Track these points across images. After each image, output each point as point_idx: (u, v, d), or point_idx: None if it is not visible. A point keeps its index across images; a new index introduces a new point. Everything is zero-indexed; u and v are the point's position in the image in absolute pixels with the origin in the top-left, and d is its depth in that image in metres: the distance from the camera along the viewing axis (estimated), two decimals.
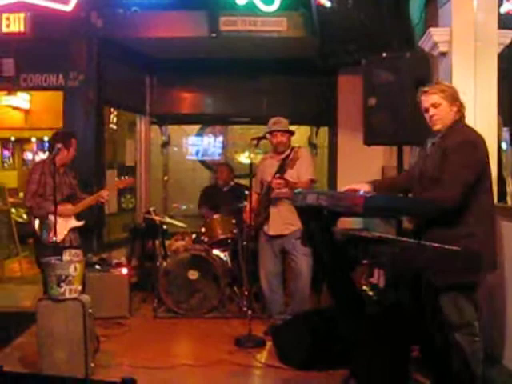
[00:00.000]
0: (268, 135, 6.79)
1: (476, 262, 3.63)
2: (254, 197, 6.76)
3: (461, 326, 4.09)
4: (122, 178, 7.02)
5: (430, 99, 4.24)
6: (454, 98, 4.20)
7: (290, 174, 6.52)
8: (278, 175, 6.49)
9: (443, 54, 5.76)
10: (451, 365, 4.08)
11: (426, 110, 4.27)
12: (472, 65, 5.53)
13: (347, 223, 6.05)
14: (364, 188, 4.31)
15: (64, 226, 6.32)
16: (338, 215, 4.06)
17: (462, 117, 4.26)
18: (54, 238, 6.15)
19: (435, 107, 4.22)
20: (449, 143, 4.09)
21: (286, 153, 6.71)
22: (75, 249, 5.62)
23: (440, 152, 4.12)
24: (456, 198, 3.92)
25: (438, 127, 4.26)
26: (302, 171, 6.63)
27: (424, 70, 5.62)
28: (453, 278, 3.86)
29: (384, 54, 5.88)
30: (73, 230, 6.46)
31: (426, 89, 4.29)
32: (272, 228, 6.73)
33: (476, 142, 4.11)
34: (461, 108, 4.23)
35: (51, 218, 6.02)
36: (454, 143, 4.05)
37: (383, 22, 6.61)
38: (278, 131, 6.75)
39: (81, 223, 6.50)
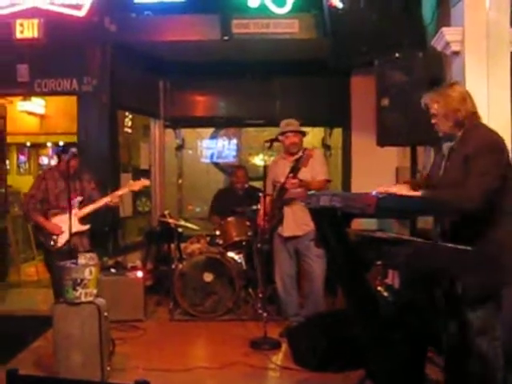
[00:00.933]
0: (280, 137, 6.80)
1: (492, 263, 3.60)
2: (268, 199, 6.76)
3: (482, 330, 4.05)
4: (136, 180, 6.93)
5: (430, 109, 4.24)
6: (448, 109, 4.12)
7: (304, 174, 6.52)
8: (291, 175, 6.49)
9: (456, 53, 5.74)
10: (469, 368, 4.04)
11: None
12: (485, 64, 5.51)
13: (363, 224, 6.04)
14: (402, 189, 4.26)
15: (63, 235, 6.38)
16: (351, 216, 4.06)
17: (473, 119, 4.19)
18: (52, 243, 6.26)
19: (434, 117, 4.22)
20: (469, 149, 4.01)
21: (299, 154, 6.71)
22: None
23: (461, 158, 4.06)
24: (476, 199, 3.81)
25: (440, 134, 4.26)
26: (316, 171, 6.63)
27: (437, 69, 5.61)
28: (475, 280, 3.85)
29: (397, 55, 5.88)
30: (80, 234, 6.47)
31: (425, 97, 4.28)
32: (286, 229, 6.73)
33: (497, 143, 4.06)
34: (463, 114, 4.15)
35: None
36: (475, 148, 3.98)
37: (395, 22, 6.59)
38: (291, 132, 6.76)
39: (86, 227, 6.52)
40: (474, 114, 4.18)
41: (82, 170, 6.62)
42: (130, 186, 6.76)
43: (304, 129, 6.98)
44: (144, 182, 6.89)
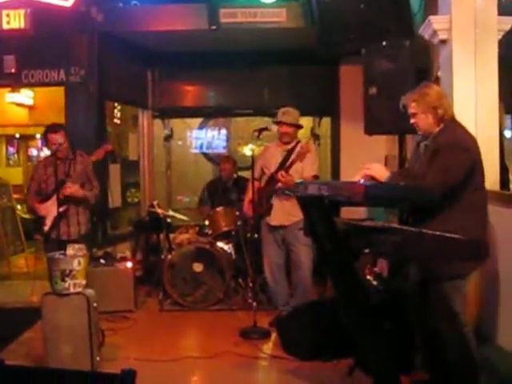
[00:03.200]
0: (274, 124, 6.79)
1: (477, 249, 3.61)
2: (256, 184, 6.75)
3: (451, 316, 4.11)
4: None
5: (409, 108, 4.32)
6: (427, 106, 4.21)
7: (296, 167, 6.52)
8: (283, 171, 6.46)
9: (443, 41, 5.73)
10: (447, 354, 4.11)
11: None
12: (472, 52, 5.51)
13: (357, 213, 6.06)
14: (384, 172, 4.35)
15: (50, 215, 6.34)
16: (339, 205, 4.06)
17: (450, 117, 4.25)
18: (46, 228, 6.24)
19: (413, 116, 4.30)
20: (437, 144, 4.12)
21: (292, 144, 6.70)
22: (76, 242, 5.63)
23: (429, 152, 4.15)
24: (434, 192, 3.92)
25: (420, 133, 4.36)
26: (307, 166, 6.62)
27: (424, 58, 5.63)
28: (450, 267, 3.93)
29: (384, 43, 5.88)
30: (68, 222, 6.41)
31: (404, 98, 4.38)
32: (274, 218, 6.73)
33: (465, 143, 4.13)
34: (442, 111, 4.21)
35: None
36: (443, 144, 4.08)
37: (383, 10, 6.59)
38: (284, 123, 6.73)
39: (61, 209, 6.25)
40: (449, 113, 4.24)
41: (75, 151, 6.53)
42: (94, 155, 6.57)
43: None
44: (107, 146, 6.73)
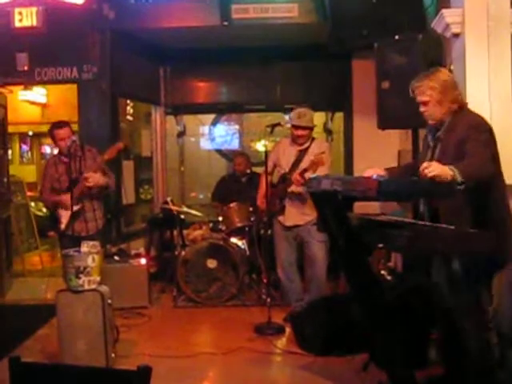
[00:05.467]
0: (288, 124, 6.74)
1: (491, 243, 3.59)
2: (268, 179, 6.74)
3: (475, 313, 4.08)
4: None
5: (420, 96, 4.17)
6: (443, 94, 4.08)
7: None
8: (298, 173, 6.40)
9: (456, 35, 5.70)
10: (467, 350, 4.07)
11: (418, 104, 4.24)
12: (485, 45, 5.47)
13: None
14: (379, 172, 4.25)
15: (66, 213, 6.32)
16: (352, 200, 4.06)
17: (462, 105, 4.17)
18: (63, 227, 6.25)
19: (425, 105, 4.16)
20: (461, 133, 4.00)
21: (306, 144, 6.67)
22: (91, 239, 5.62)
23: (452, 144, 4.05)
24: (490, 166, 3.83)
25: (431, 122, 4.23)
26: (320, 170, 6.58)
27: (437, 51, 5.59)
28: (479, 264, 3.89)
29: (396, 37, 5.85)
30: (83, 219, 6.41)
31: (416, 84, 4.21)
32: (288, 219, 6.69)
33: (486, 124, 4.07)
34: (456, 99, 4.14)
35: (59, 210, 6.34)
36: (468, 129, 3.98)
37: (395, 4, 6.55)
38: (299, 126, 6.67)
39: (76, 208, 6.24)
40: (462, 100, 4.18)
41: (85, 148, 6.50)
42: (107, 154, 6.52)
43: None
44: (119, 145, 6.58)
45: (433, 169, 3.64)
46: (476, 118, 4.09)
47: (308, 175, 6.34)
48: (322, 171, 6.47)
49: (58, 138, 6.34)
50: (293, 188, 6.56)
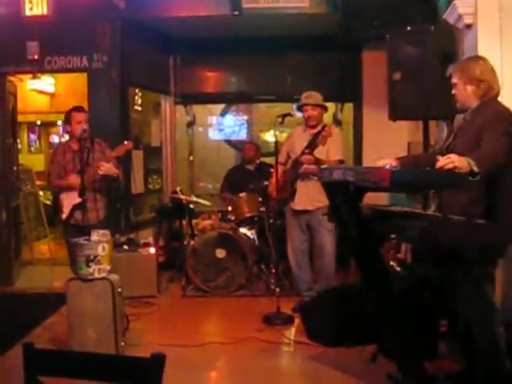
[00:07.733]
0: (295, 111, 6.77)
1: (504, 235, 3.59)
2: (280, 169, 6.75)
3: (480, 302, 4.07)
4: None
5: (452, 79, 4.27)
6: (468, 78, 4.13)
7: (320, 151, 6.50)
8: (307, 151, 6.47)
9: (468, 26, 5.67)
10: (476, 340, 4.06)
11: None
12: (497, 36, 5.44)
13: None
14: (391, 163, 4.25)
15: (68, 203, 6.32)
16: (364, 190, 4.05)
17: (490, 94, 4.17)
18: (64, 216, 6.25)
19: (454, 86, 4.25)
20: (482, 121, 4.01)
21: (318, 128, 6.67)
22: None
23: (473, 130, 4.06)
24: (501, 154, 3.84)
25: (458, 105, 4.31)
26: (332, 150, 6.60)
27: (449, 43, 5.57)
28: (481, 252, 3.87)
29: (408, 28, 5.82)
30: (85, 208, 6.35)
31: (452, 68, 4.32)
32: (297, 203, 6.72)
33: (509, 115, 4.06)
34: (485, 86, 4.14)
35: (61, 196, 6.33)
36: (489, 117, 3.99)
37: None
38: (308, 105, 6.72)
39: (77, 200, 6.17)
40: (494, 90, 4.17)
41: (95, 140, 6.47)
42: (115, 151, 6.51)
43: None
44: (128, 144, 6.52)
45: (452, 160, 3.64)
46: (500, 109, 4.10)
47: (318, 151, 6.44)
48: (333, 148, 6.52)
49: (75, 121, 6.29)
50: (304, 167, 6.57)
